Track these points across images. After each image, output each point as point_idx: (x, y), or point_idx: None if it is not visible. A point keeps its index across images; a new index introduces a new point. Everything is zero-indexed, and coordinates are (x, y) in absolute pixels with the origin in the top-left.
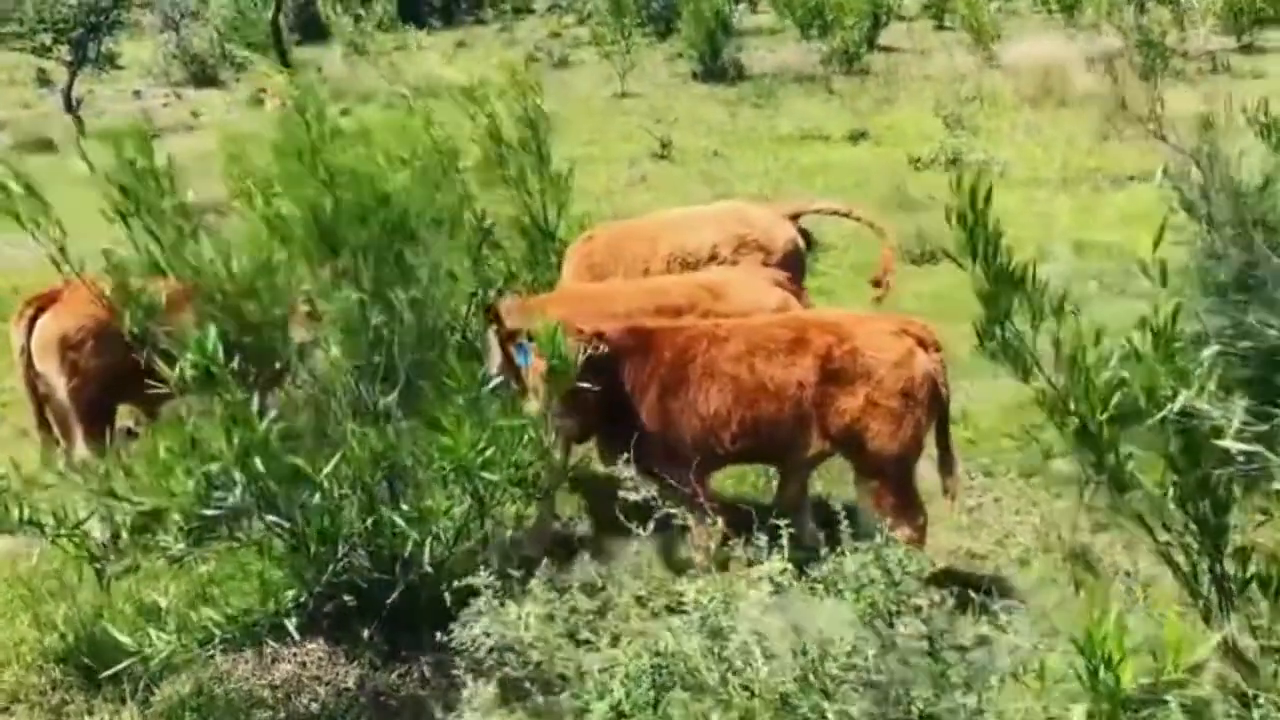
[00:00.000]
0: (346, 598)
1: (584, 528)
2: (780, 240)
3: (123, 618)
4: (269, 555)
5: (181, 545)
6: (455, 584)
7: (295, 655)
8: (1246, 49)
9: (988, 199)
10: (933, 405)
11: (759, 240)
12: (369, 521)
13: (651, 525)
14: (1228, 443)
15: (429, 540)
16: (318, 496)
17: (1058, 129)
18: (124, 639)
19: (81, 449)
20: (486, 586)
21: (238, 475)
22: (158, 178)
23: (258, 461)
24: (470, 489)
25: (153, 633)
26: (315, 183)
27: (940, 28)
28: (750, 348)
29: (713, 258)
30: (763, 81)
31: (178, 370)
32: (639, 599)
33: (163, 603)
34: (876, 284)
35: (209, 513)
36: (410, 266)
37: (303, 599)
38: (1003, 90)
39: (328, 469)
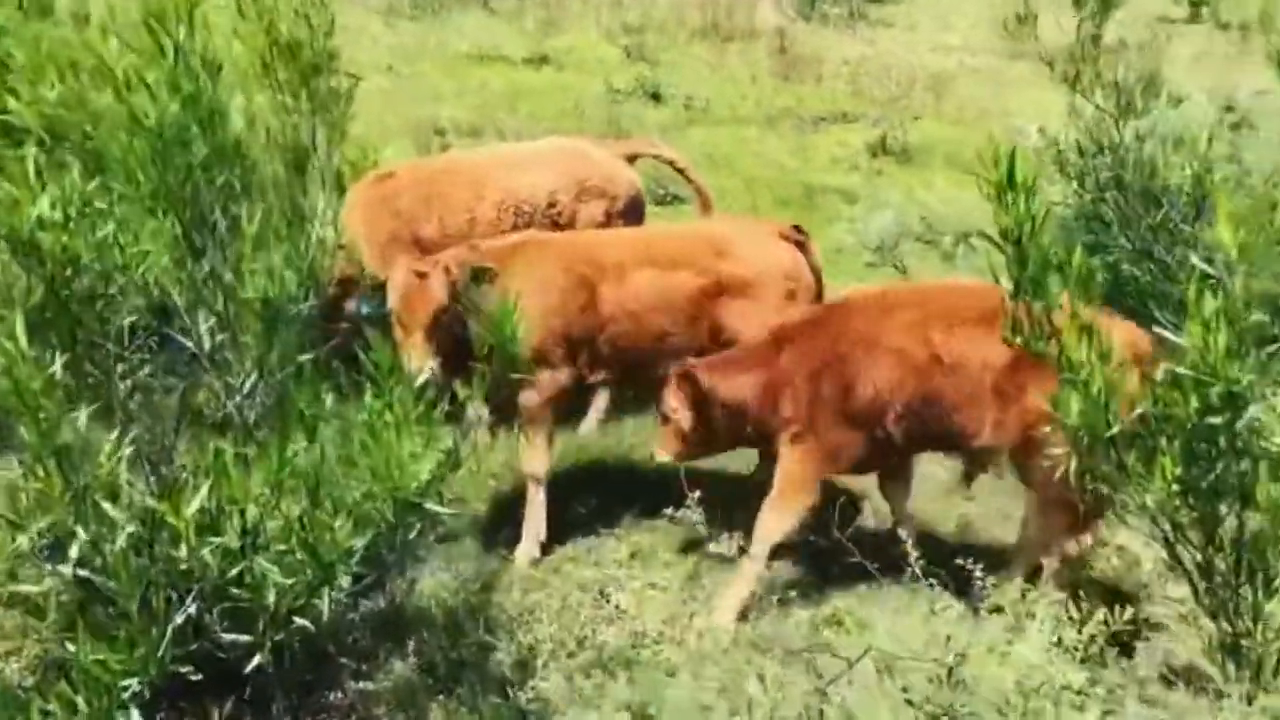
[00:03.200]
0: (185, 670)
1: None
2: (623, 185)
3: None
4: (86, 627)
5: None
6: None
7: None
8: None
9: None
10: None
11: (600, 185)
12: (234, 572)
13: None
14: None
15: (326, 591)
16: (184, 550)
17: (740, 64)
18: None
19: None
20: None
21: (80, 530)
22: None
23: (105, 505)
24: (383, 520)
25: None
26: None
27: None
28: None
29: (551, 205)
30: None
31: None
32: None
33: None
34: None
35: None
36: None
37: (141, 686)
38: (669, 20)
39: (193, 508)
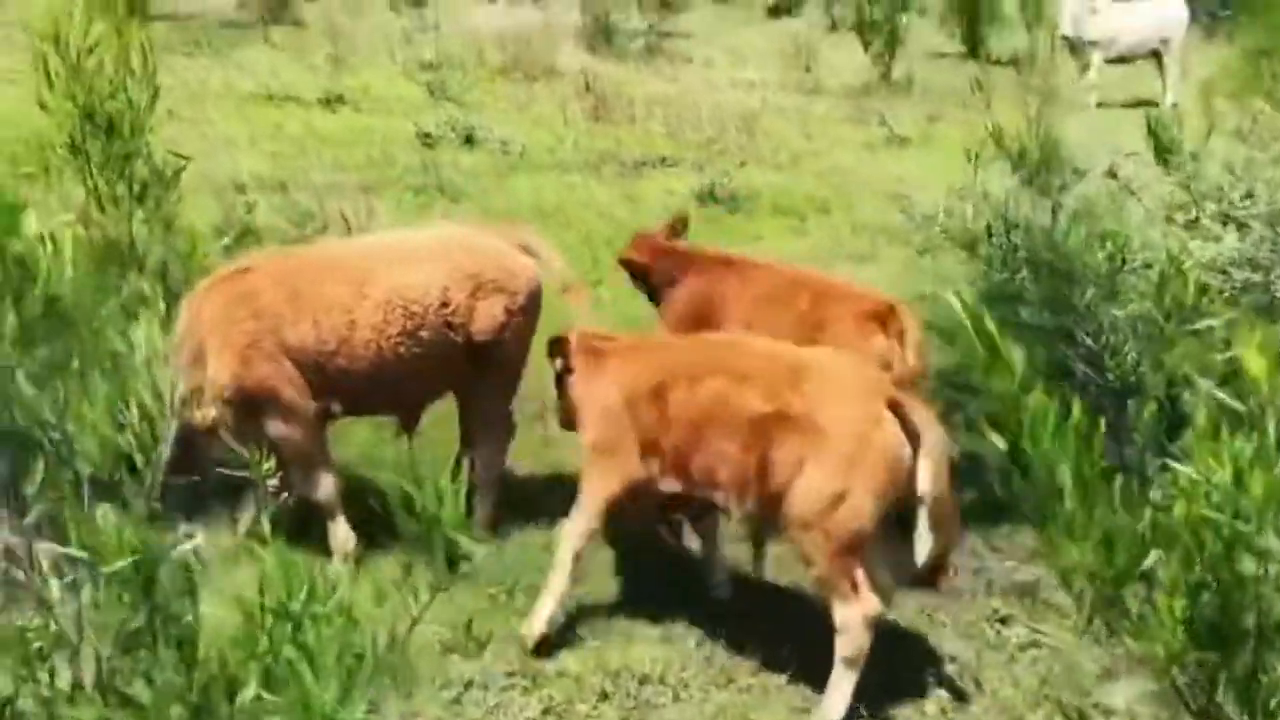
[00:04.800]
0: None
1: None
2: (522, 280)
3: None
4: None
5: None
6: None
7: None
8: (668, 34)
9: None
10: None
11: (497, 279)
12: None
13: None
14: None
15: None
16: None
17: (548, 104)
18: None
19: None
20: None
21: None
22: None
23: None
24: None
25: None
26: None
27: None
28: None
29: (444, 304)
30: (188, 25)
31: None
32: None
33: None
34: None
35: None
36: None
37: None
38: (466, 57)
39: None
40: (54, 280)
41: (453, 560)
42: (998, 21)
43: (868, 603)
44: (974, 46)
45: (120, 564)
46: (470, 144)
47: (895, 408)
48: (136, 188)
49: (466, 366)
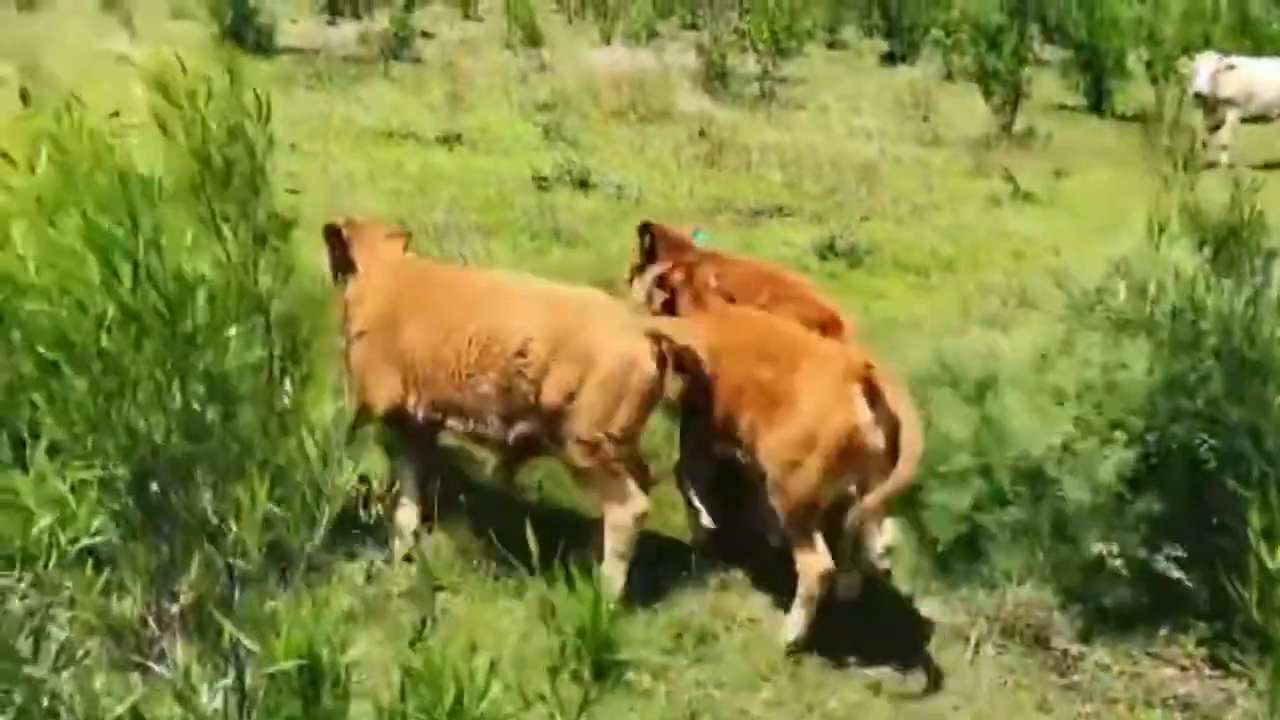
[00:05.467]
0: None
1: None
2: (613, 361)
3: None
4: None
5: None
6: None
7: None
8: (782, 80)
9: None
10: None
11: (584, 350)
12: None
13: None
14: None
15: None
16: None
17: (663, 148)
18: None
19: None
20: None
21: None
22: None
23: None
24: None
25: None
26: None
27: (467, 17)
28: None
29: (520, 354)
30: (312, 59)
31: None
32: None
33: None
34: None
35: None
36: None
37: None
38: (581, 98)
39: None
40: (216, 352)
41: (603, 668)
42: (1123, 76)
43: (822, 559)
44: (1098, 101)
45: (284, 665)
46: (585, 188)
47: (871, 387)
48: (258, 233)
49: (542, 425)
